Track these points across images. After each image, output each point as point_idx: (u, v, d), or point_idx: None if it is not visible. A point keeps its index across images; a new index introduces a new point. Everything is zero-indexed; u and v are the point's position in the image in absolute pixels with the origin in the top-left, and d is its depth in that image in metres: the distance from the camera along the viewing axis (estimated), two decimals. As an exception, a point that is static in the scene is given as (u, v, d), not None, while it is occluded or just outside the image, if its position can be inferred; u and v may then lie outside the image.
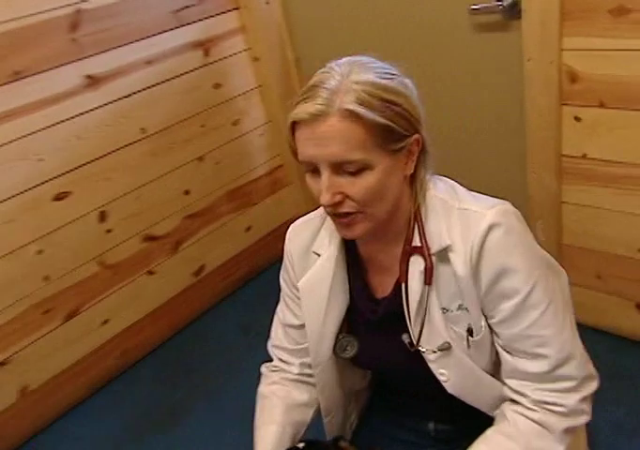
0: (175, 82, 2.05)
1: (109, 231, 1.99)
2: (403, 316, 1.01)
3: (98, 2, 1.80)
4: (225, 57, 2.17)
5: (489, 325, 0.99)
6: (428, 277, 0.98)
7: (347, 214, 0.94)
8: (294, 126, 0.92)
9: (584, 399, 0.96)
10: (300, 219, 1.18)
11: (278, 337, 1.22)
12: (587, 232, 1.71)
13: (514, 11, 1.59)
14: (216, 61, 2.14)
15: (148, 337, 2.19)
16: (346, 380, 1.20)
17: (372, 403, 1.32)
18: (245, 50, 2.22)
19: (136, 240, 2.08)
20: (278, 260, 2.58)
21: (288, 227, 1.19)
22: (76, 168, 1.87)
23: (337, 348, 1.11)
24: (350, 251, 1.09)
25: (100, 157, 1.92)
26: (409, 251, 1.00)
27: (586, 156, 1.60)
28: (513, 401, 0.99)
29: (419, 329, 1.01)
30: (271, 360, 1.25)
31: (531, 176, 1.72)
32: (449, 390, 1.03)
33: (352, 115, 0.87)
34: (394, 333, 1.04)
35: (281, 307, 1.22)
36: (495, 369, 1.03)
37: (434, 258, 0.97)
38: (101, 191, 1.95)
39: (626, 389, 1.66)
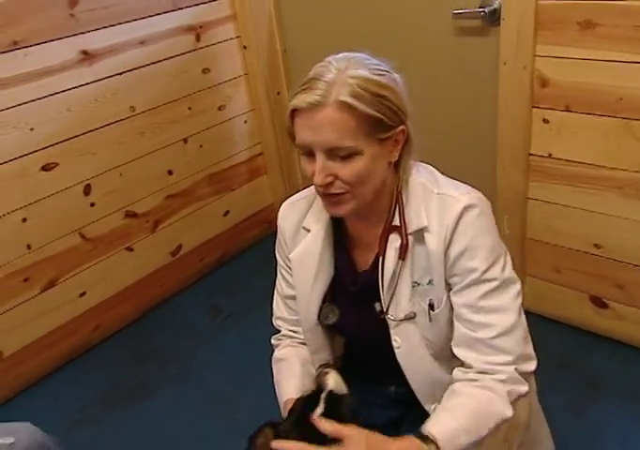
0: (166, 63, 2.11)
1: (92, 204, 2.04)
2: (379, 287, 1.12)
3: (98, -20, 1.86)
4: (215, 43, 2.24)
5: (450, 301, 1.10)
6: (402, 252, 1.09)
7: (336, 194, 1.04)
8: (293, 113, 1.02)
9: (521, 373, 1.06)
10: (291, 198, 1.27)
11: (280, 309, 1.33)
12: (550, 228, 1.84)
13: (494, 18, 1.72)
14: (206, 46, 2.21)
15: (123, 312, 2.24)
16: (331, 345, 1.31)
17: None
18: (235, 37, 2.29)
19: (118, 216, 2.13)
20: (253, 245, 2.71)
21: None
22: (65, 140, 1.91)
23: (321, 315, 1.22)
24: (337, 229, 1.19)
25: (89, 131, 1.96)
26: (389, 230, 1.11)
27: (552, 155, 1.74)
28: (460, 377, 1.09)
29: (389, 299, 1.12)
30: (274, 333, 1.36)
31: (500, 173, 1.85)
32: (398, 357, 1.15)
33: (346, 107, 0.97)
34: (369, 302, 1.16)
35: (278, 281, 1.33)
36: (448, 349, 1.14)
37: (410, 237, 1.08)
38: (88, 165, 1.99)
39: (573, 376, 1.80)
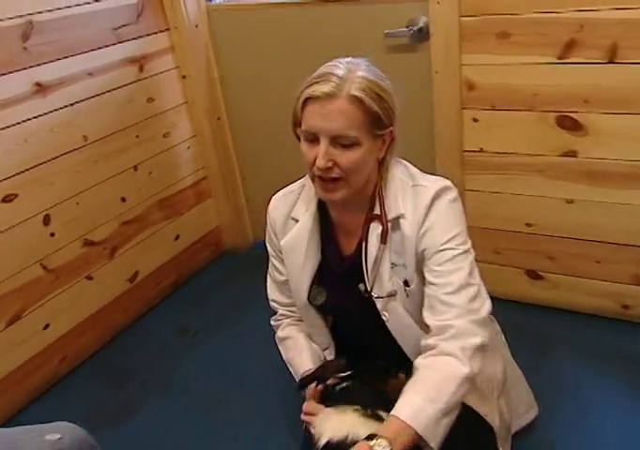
0: (114, 93, 2.18)
1: (52, 234, 2.04)
2: (362, 269, 1.28)
3: (48, 15, 1.92)
4: (157, 74, 2.34)
5: (421, 277, 1.25)
6: (383, 238, 1.26)
7: (332, 180, 1.19)
8: (306, 101, 1.17)
9: (474, 323, 1.17)
10: (280, 192, 1.41)
11: (274, 293, 1.47)
12: (487, 214, 2.09)
13: (421, 35, 1.97)
14: (149, 76, 2.31)
15: (89, 341, 2.22)
16: (326, 324, 1.44)
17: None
18: (174, 68, 2.41)
19: (77, 244, 2.14)
20: (204, 267, 2.81)
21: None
22: (23, 171, 1.92)
23: (310, 297, 1.36)
24: (323, 218, 1.35)
25: (46, 161, 1.99)
26: (371, 218, 1.28)
27: (483, 149, 2.00)
28: (422, 345, 1.21)
29: (372, 279, 1.28)
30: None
31: (439, 169, 2.08)
32: (390, 327, 1.31)
33: (357, 101, 1.14)
34: (354, 283, 1.32)
35: (270, 269, 1.46)
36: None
37: (389, 224, 1.25)
38: (46, 195, 2.01)
39: (523, 342, 2.01)
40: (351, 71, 1.15)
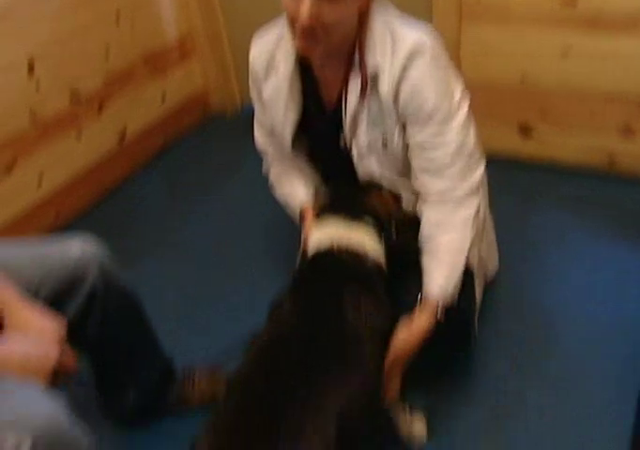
0: None
1: (37, 82, 1.98)
2: (342, 123, 1.28)
3: None
4: None
5: (401, 137, 1.25)
6: (363, 91, 1.22)
7: (313, 33, 1.11)
8: None
9: (470, 186, 1.22)
10: (259, 35, 1.34)
11: (262, 142, 1.47)
12: (481, 67, 2.06)
13: None
14: None
15: (81, 198, 2.24)
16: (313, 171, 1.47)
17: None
18: None
19: (64, 96, 2.08)
20: (193, 131, 2.71)
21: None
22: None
23: (294, 145, 1.36)
24: (305, 72, 1.29)
25: (26, 4, 1.88)
26: (351, 72, 1.23)
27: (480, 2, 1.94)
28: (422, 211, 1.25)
29: (350, 134, 1.28)
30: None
31: (436, 19, 2.02)
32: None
33: None
34: (334, 137, 1.32)
35: (256, 114, 1.44)
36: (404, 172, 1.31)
37: (368, 79, 1.20)
38: (28, 39, 1.92)
39: (510, 193, 2.08)
40: None
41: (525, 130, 2.15)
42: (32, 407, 0.88)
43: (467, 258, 1.24)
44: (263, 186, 1.65)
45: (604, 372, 1.47)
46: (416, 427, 1.32)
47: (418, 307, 1.17)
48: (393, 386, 1.18)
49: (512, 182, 2.11)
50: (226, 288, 1.85)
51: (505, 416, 1.39)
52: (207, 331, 1.70)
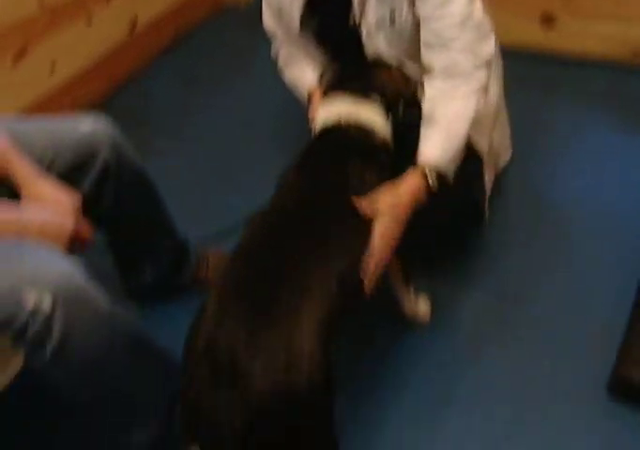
0: None
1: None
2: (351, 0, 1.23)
3: None
4: None
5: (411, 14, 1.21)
6: None
7: None
8: None
9: (478, 62, 1.19)
10: None
11: (270, 24, 1.44)
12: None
13: None
14: None
15: (95, 88, 2.22)
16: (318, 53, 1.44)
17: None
18: None
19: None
20: (205, 22, 2.59)
21: None
22: None
23: (302, 25, 1.33)
24: None
25: None
26: None
27: None
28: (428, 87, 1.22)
29: (359, 9, 1.24)
30: None
31: None
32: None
33: None
34: (344, 15, 1.27)
35: None
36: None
37: None
38: None
39: (527, 88, 2.02)
40: None
41: (548, 21, 2.05)
42: (52, 265, 0.92)
43: (472, 137, 1.22)
44: (276, 77, 1.63)
45: (614, 264, 1.48)
46: (420, 306, 1.37)
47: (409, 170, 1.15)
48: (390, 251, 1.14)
49: (531, 75, 2.05)
50: (240, 173, 1.88)
51: (511, 301, 1.42)
52: (222, 214, 1.71)
